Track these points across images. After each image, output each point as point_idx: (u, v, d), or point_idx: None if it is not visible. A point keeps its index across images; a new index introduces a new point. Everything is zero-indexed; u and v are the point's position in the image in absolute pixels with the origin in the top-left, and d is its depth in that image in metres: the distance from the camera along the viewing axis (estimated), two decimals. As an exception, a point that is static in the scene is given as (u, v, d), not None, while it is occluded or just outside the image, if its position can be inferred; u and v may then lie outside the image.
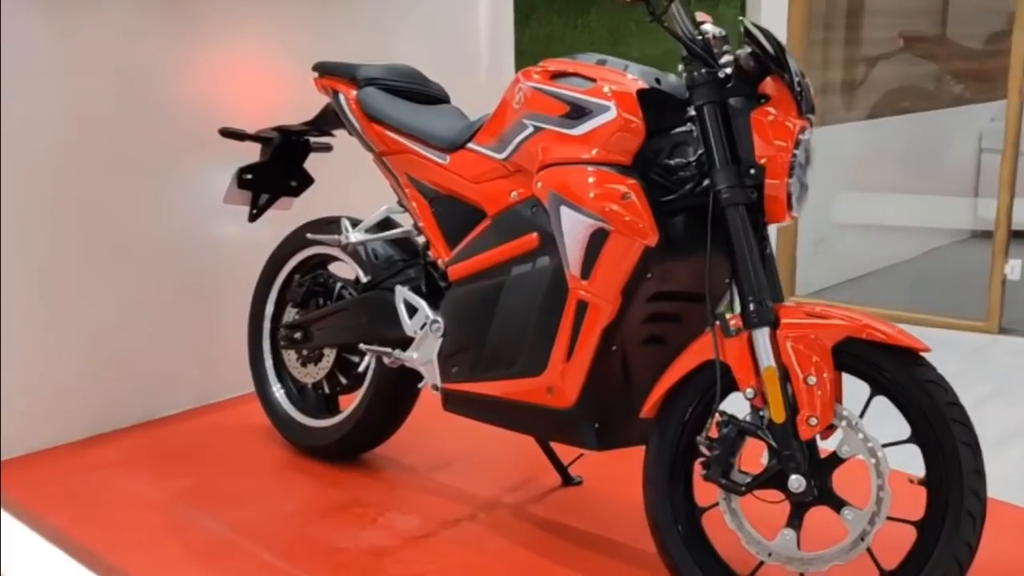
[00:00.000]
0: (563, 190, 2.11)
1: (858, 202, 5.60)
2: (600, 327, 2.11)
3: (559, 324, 2.17)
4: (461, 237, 2.45)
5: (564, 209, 2.10)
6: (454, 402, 2.45)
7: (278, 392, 3.02)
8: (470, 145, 2.43)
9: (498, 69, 3.83)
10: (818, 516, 2.01)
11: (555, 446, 2.70)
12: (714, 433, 2.01)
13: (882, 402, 1.96)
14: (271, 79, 3.35)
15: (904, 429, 1.94)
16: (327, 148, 3.09)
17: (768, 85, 2.02)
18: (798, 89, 2.00)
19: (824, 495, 1.97)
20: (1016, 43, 4.40)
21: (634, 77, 2.14)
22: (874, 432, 1.95)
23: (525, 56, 3.98)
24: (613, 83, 2.12)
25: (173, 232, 3.21)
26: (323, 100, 2.91)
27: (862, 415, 1.97)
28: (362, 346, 2.61)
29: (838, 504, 1.96)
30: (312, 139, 3.03)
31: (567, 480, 2.74)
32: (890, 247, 5.79)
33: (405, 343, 2.56)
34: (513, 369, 2.28)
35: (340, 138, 3.00)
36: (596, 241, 2.07)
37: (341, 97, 2.69)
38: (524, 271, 2.26)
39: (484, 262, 2.36)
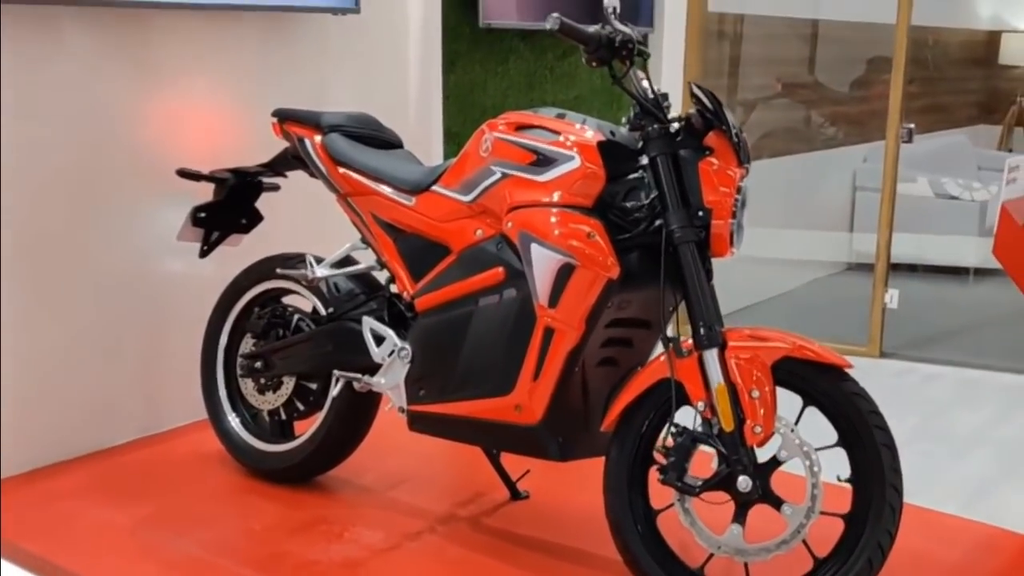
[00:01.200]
0: (533, 229, 2.36)
1: (743, 237, 6.05)
2: (566, 350, 2.36)
3: (527, 348, 2.40)
4: (426, 271, 2.67)
5: (534, 246, 2.35)
6: (420, 422, 2.66)
7: (233, 420, 3.15)
8: (435, 188, 2.65)
9: (427, 112, 4.07)
10: (757, 514, 2.29)
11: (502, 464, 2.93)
12: (670, 443, 2.28)
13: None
14: (219, 123, 3.51)
15: (823, 436, 2.25)
16: (275, 188, 3.26)
17: (711, 139, 2.32)
18: (736, 141, 2.31)
19: (765, 494, 2.25)
20: (893, 90, 4.88)
21: (592, 130, 2.41)
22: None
23: (451, 101, 4.22)
24: (576, 135, 2.39)
25: (119, 268, 3.30)
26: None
27: (796, 423, 2.27)
28: (336, 372, 2.78)
29: (777, 502, 2.25)
30: (264, 179, 3.21)
31: (515, 494, 2.96)
32: (774, 279, 6.23)
33: (368, 369, 2.75)
34: (482, 390, 2.50)
35: (291, 179, 3.19)
36: (563, 274, 2.32)
37: (307, 143, 2.88)
38: (491, 301, 2.49)
39: (451, 293, 2.58)
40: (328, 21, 3.74)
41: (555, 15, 2.25)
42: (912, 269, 6.62)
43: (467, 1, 4.20)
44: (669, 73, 5.27)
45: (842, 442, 2.24)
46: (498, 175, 2.47)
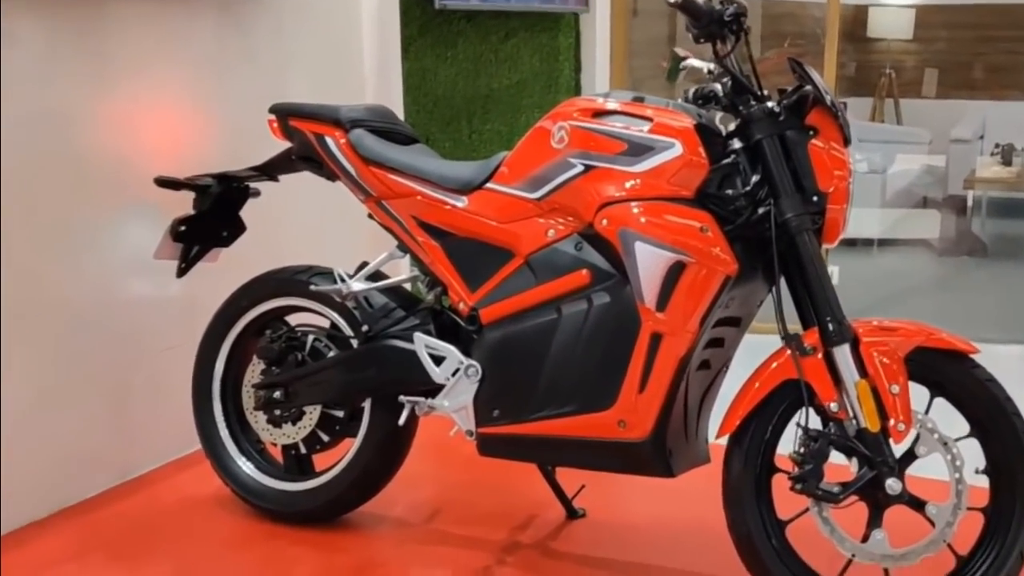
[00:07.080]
0: (636, 226, 2.14)
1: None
2: (676, 357, 2.16)
3: (630, 357, 2.18)
4: (485, 278, 2.40)
5: (639, 244, 2.13)
6: (494, 446, 2.40)
7: (241, 459, 2.79)
8: (491, 186, 2.39)
9: (387, 102, 3.74)
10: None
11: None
12: (801, 448, 2.11)
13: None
14: (180, 121, 3.11)
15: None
16: (257, 194, 2.91)
17: (815, 117, 2.15)
18: (840, 119, 2.16)
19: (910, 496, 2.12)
20: (827, 65, 4.89)
21: (682, 112, 2.21)
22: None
23: (405, 88, 3.93)
24: (670, 120, 2.18)
25: (81, 296, 2.88)
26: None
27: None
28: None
29: (919, 503, 2.12)
30: (251, 185, 2.86)
31: (571, 513, 2.74)
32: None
33: (420, 391, 2.47)
34: (574, 405, 2.26)
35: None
36: (673, 274, 2.12)
37: (328, 141, 2.55)
38: (578, 308, 2.25)
39: (524, 302, 2.33)
40: (283, 5, 3.39)
41: None
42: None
43: (417, -19, 3.93)
44: (598, 52, 5.13)
45: (975, 432, 2.13)
46: (579, 168, 2.24)
